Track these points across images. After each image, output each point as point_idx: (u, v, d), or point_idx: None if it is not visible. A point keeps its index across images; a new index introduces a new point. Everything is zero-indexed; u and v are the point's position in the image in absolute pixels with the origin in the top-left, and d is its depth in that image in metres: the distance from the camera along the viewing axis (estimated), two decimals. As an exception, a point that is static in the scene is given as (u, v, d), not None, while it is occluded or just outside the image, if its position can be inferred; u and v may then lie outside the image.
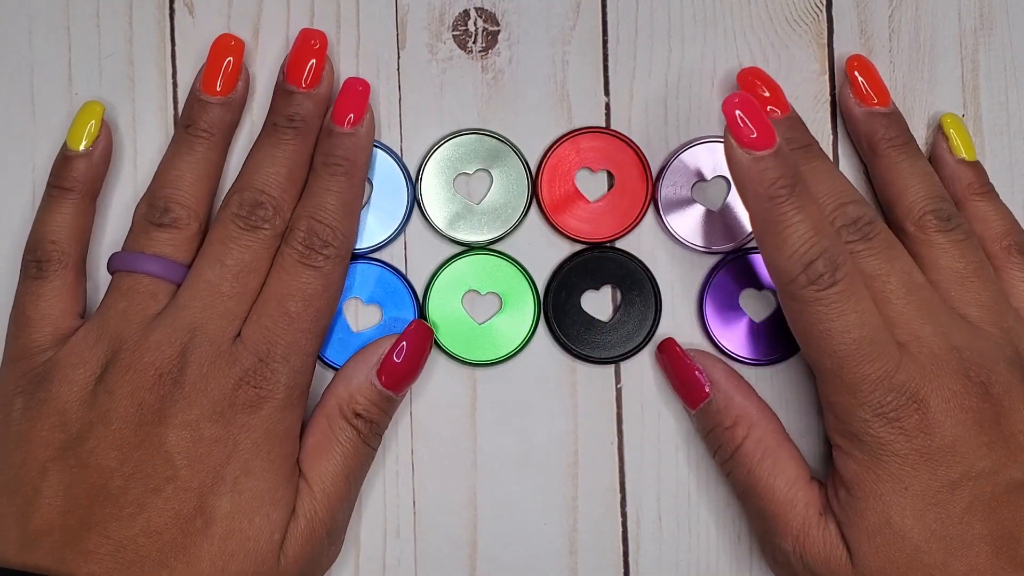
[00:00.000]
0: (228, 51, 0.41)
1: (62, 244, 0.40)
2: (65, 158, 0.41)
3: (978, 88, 0.44)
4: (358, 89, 0.41)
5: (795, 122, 0.42)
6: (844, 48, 0.44)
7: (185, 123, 0.41)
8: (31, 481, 0.37)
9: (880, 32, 0.44)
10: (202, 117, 0.41)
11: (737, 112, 0.37)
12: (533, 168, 0.43)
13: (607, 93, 0.44)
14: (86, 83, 0.43)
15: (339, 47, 0.43)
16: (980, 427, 0.37)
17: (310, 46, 0.41)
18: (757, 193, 0.37)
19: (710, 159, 0.43)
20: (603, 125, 0.44)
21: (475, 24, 0.44)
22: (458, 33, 0.44)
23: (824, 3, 0.44)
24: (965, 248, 0.40)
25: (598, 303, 0.44)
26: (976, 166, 0.42)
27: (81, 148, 0.41)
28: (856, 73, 0.42)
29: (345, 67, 0.43)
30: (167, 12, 0.43)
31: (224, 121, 0.41)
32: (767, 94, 0.42)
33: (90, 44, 0.43)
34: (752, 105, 0.37)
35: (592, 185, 0.44)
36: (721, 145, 0.42)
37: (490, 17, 0.44)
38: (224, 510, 0.37)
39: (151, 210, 0.40)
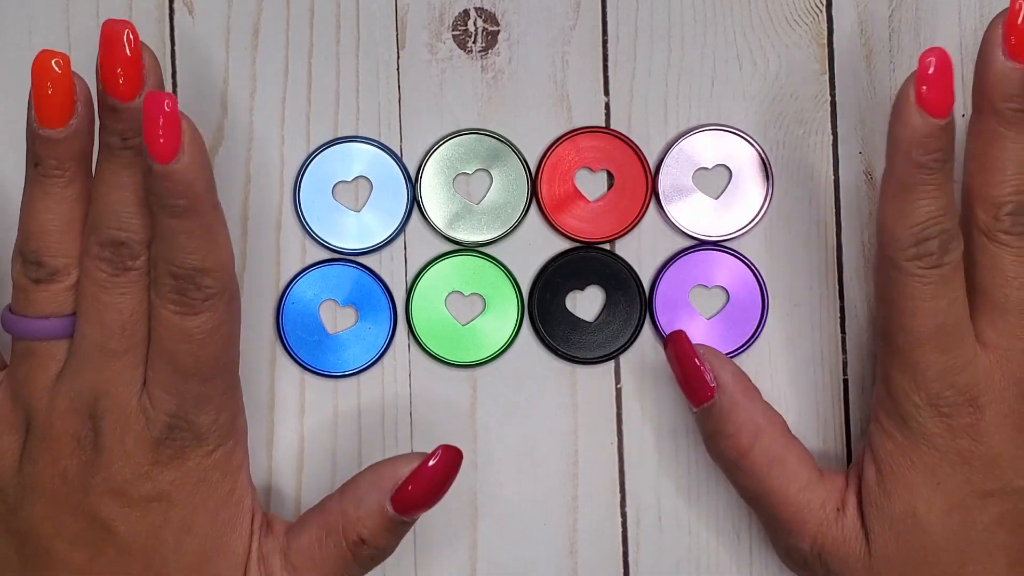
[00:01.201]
0: (50, 75, 0.36)
1: None
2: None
3: (978, 88, 0.44)
4: (165, 110, 0.34)
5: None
6: (844, 48, 0.44)
7: (34, 163, 0.37)
8: None
9: (880, 32, 0.44)
10: (48, 154, 0.36)
11: (930, 68, 0.35)
12: (533, 168, 0.43)
13: (607, 93, 0.44)
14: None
15: (339, 47, 0.43)
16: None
17: (121, 44, 0.35)
18: (910, 157, 0.36)
19: (711, 147, 0.43)
20: (603, 125, 0.44)
21: (475, 24, 0.44)
22: (458, 33, 0.44)
23: (824, 3, 0.44)
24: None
25: (584, 303, 0.43)
26: None
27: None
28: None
29: (345, 67, 0.43)
30: (167, 12, 0.43)
31: (74, 151, 0.37)
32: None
33: (90, 44, 0.43)
34: (947, 66, 0.36)
35: (592, 185, 0.44)
36: (723, 134, 0.43)
37: (490, 17, 0.44)
38: (173, 572, 0.36)
39: (26, 266, 0.37)
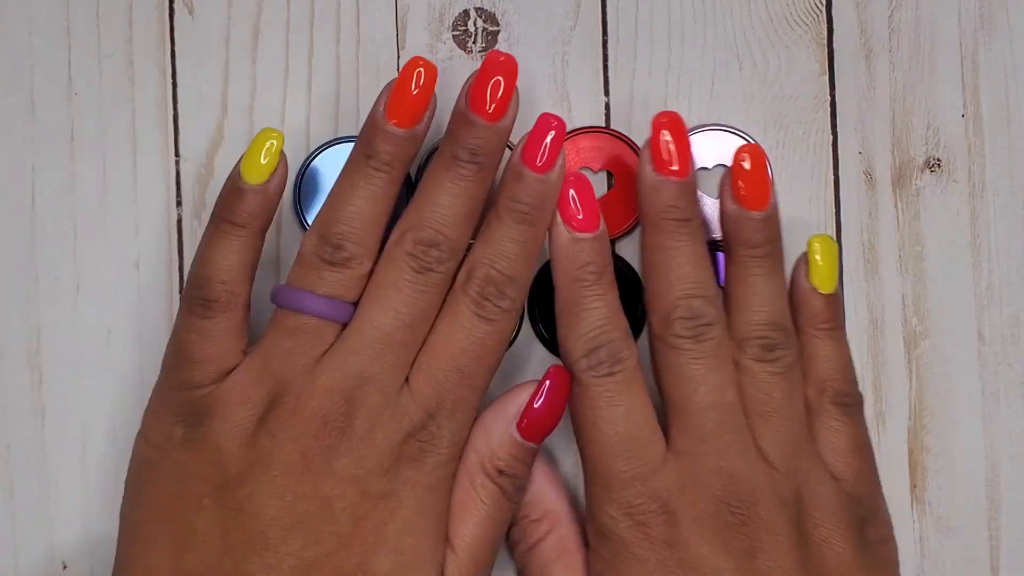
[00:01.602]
0: (418, 79, 0.38)
1: (232, 285, 0.38)
2: (238, 190, 0.38)
3: (978, 88, 0.44)
4: (552, 125, 0.38)
5: (688, 188, 0.39)
6: (844, 48, 0.44)
7: (367, 153, 0.38)
8: (186, 515, 0.36)
9: (880, 32, 0.44)
10: (386, 150, 0.38)
11: (571, 192, 0.38)
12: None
13: (607, 93, 0.44)
14: (86, 83, 0.43)
15: (339, 47, 0.43)
16: (728, 554, 0.36)
17: (497, 71, 0.38)
18: (566, 272, 0.38)
19: (712, 147, 0.43)
20: (603, 125, 0.44)
21: (475, 24, 0.44)
22: (458, 33, 0.44)
23: (824, 3, 0.44)
24: (779, 381, 0.39)
25: None
26: (831, 299, 0.40)
27: (258, 183, 0.38)
28: (743, 164, 0.40)
29: (345, 67, 0.43)
30: (167, 12, 0.43)
31: (408, 153, 0.39)
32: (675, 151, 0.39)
33: (90, 44, 0.43)
34: (586, 186, 0.38)
35: (592, 185, 0.44)
36: (723, 134, 0.43)
37: (490, 17, 0.44)
38: (384, 570, 0.36)
39: (323, 246, 0.38)
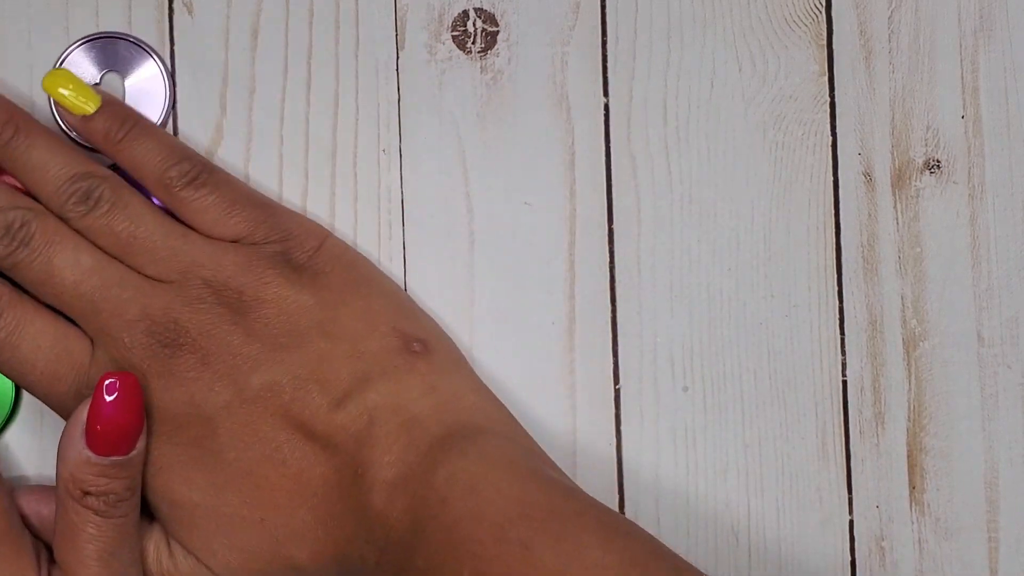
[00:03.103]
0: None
1: None
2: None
3: (978, 89, 0.44)
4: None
5: None
6: (843, 49, 0.44)
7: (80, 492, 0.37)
8: None
9: (880, 33, 0.44)
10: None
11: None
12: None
13: (607, 93, 0.44)
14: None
15: (338, 47, 0.43)
16: (187, 381, 0.37)
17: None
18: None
19: (101, 57, 0.43)
20: (603, 125, 0.44)
21: (474, 25, 0.44)
22: (457, 34, 0.44)
23: (824, 3, 0.44)
24: (112, 218, 0.38)
25: None
26: (105, 111, 0.40)
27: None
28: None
29: (344, 67, 0.43)
30: (166, 12, 0.43)
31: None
32: None
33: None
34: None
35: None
36: (112, 42, 0.43)
37: (489, 18, 0.44)
38: None
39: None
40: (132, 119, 0.40)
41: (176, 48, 0.43)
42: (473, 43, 0.44)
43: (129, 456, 0.37)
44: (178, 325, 0.37)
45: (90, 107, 0.39)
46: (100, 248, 0.38)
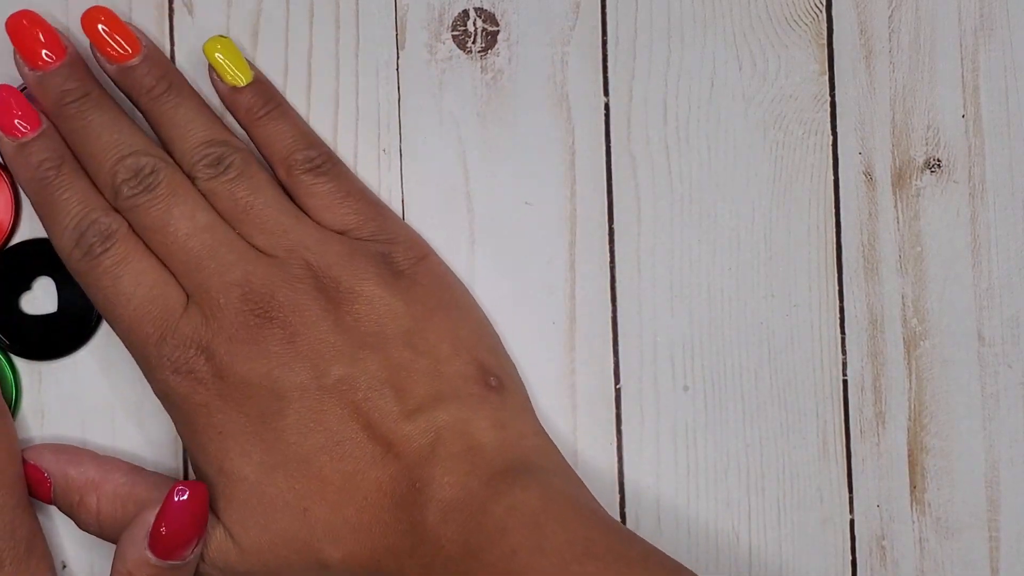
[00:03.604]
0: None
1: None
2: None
3: (978, 89, 0.44)
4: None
5: (73, 68, 0.41)
6: (844, 48, 0.44)
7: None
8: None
9: (880, 32, 0.44)
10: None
11: (4, 96, 0.39)
12: None
13: (607, 93, 0.44)
14: (86, 83, 0.43)
15: (338, 47, 0.43)
16: (268, 355, 0.37)
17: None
18: (28, 178, 0.39)
19: None
20: (603, 125, 0.44)
21: (474, 24, 0.44)
22: (457, 33, 0.44)
23: (824, 3, 0.44)
24: (236, 186, 0.39)
25: (43, 299, 0.43)
26: (254, 87, 0.42)
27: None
28: (100, 28, 0.41)
29: (344, 67, 0.43)
30: (167, 12, 0.43)
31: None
32: (43, 39, 0.41)
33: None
34: (9, 91, 0.39)
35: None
36: None
37: (489, 17, 0.44)
38: None
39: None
40: (275, 101, 0.42)
41: (176, 48, 0.43)
42: (473, 43, 0.44)
43: (185, 561, 0.37)
44: (273, 298, 0.38)
45: (240, 80, 0.41)
46: (217, 212, 0.40)
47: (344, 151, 0.43)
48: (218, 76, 0.41)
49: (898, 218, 0.44)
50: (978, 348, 0.44)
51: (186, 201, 0.39)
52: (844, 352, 0.44)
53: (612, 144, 0.44)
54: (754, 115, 0.44)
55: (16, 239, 0.42)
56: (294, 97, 0.43)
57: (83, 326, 0.42)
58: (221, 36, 0.42)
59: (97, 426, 0.43)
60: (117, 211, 0.39)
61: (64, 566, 0.43)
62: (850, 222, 0.44)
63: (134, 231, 0.39)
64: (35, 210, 0.40)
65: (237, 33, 0.43)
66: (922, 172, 0.44)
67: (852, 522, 0.43)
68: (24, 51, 0.40)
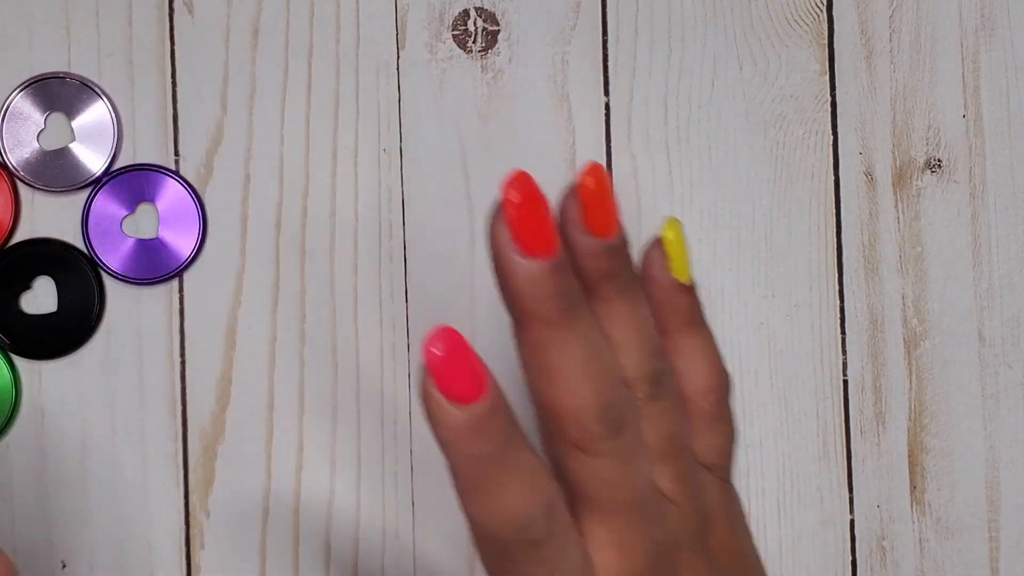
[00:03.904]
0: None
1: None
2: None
3: (979, 88, 0.44)
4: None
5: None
6: (844, 48, 0.44)
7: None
8: None
9: (880, 32, 0.44)
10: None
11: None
12: None
13: (607, 93, 0.44)
14: (86, 83, 0.43)
15: (339, 47, 0.43)
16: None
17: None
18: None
19: (44, 101, 0.43)
20: (603, 125, 0.44)
21: (475, 24, 0.44)
22: (458, 33, 0.44)
23: (824, 3, 0.44)
24: (669, 412, 0.33)
25: (43, 299, 0.43)
26: (692, 290, 0.35)
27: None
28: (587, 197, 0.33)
29: (345, 67, 0.43)
30: (167, 12, 0.43)
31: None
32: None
33: (90, 44, 0.43)
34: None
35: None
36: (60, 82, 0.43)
37: (490, 17, 0.44)
38: None
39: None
40: (696, 324, 0.35)
41: (176, 48, 0.43)
42: (474, 42, 0.44)
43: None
44: (679, 552, 0.33)
45: (682, 276, 0.35)
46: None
47: (344, 151, 0.43)
48: (662, 255, 0.35)
49: (898, 218, 0.44)
50: (978, 348, 0.44)
51: (640, 458, 0.33)
52: (844, 352, 0.44)
53: (612, 144, 0.44)
54: (755, 115, 0.44)
55: (16, 239, 0.43)
56: (294, 97, 0.43)
57: (83, 326, 0.42)
58: (677, 219, 0.35)
59: (97, 426, 0.43)
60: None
61: (64, 566, 0.43)
62: (850, 222, 0.44)
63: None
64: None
65: (237, 33, 0.43)
66: (923, 172, 0.44)
67: (852, 522, 0.43)
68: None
